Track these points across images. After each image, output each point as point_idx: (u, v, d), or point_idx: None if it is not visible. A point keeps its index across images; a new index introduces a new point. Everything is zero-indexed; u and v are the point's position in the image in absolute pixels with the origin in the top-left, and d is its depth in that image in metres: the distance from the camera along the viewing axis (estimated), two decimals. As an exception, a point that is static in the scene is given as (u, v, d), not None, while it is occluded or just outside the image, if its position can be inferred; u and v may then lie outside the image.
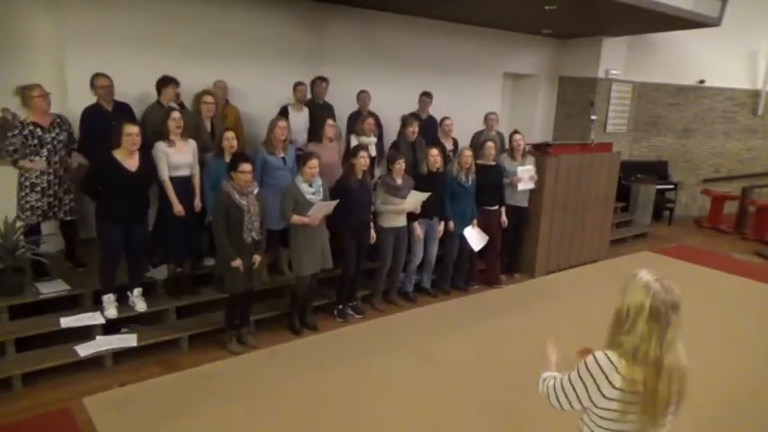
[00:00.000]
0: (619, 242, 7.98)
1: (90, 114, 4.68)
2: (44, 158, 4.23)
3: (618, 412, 1.61)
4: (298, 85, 5.81)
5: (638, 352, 1.60)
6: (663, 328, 1.59)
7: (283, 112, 5.59)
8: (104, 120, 4.54)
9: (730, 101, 9.76)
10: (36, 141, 4.20)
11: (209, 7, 5.83)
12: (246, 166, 4.01)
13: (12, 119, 4.23)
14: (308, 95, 5.97)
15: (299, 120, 5.78)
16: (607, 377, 1.61)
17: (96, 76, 4.70)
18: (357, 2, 6.61)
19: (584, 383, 1.66)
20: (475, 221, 5.62)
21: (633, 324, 1.61)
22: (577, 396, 1.68)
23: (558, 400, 1.76)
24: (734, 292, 6.24)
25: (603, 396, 1.62)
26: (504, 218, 5.92)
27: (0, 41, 4.78)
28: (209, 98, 4.93)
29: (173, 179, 4.35)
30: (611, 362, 1.62)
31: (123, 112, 4.80)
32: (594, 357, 1.66)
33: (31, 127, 4.19)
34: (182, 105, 5.19)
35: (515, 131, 6.09)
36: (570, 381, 1.71)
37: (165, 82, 4.95)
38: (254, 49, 6.17)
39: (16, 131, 4.13)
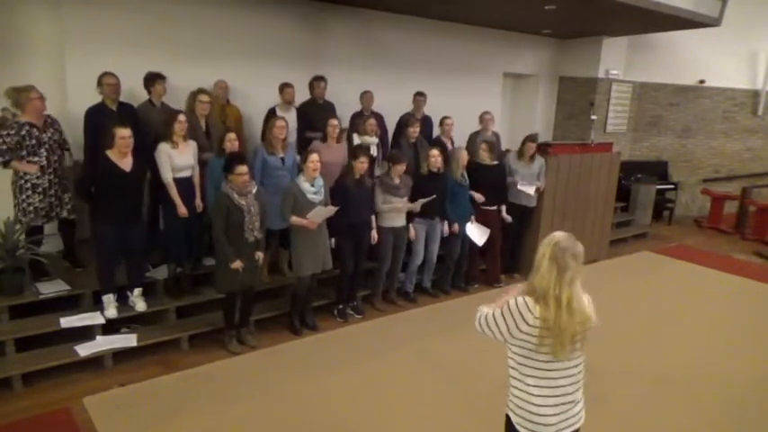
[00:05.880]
0: (619, 242, 7.98)
1: (94, 114, 4.63)
2: (43, 158, 4.22)
3: (534, 344, 2.00)
4: (285, 86, 5.67)
5: (543, 291, 1.98)
6: (561, 268, 1.96)
7: (271, 114, 5.49)
8: (108, 120, 4.46)
9: (730, 101, 9.75)
10: (34, 141, 4.19)
11: (209, 7, 5.82)
12: (243, 168, 4.00)
13: (11, 118, 4.22)
14: (295, 97, 5.78)
15: (287, 121, 5.71)
16: (523, 316, 2.01)
17: (104, 74, 4.66)
18: (357, 2, 6.61)
19: (505, 320, 2.06)
20: (473, 217, 5.62)
21: (539, 266, 2.01)
22: (499, 330, 2.08)
23: (489, 329, 2.13)
24: (734, 292, 6.24)
25: (520, 330, 2.02)
26: (504, 215, 5.92)
27: (0, 41, 4.78)
28: (204, 97, 4.87)
29: (175, 180, 4.35)
30: (527, 305, 2.01)
31: (126, 113, 4.74)
32: (515, 300, 2.04)
33: (28, 127, 4.16)
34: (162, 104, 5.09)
35: (531, 140, 6.04)
36: (494, 316, 2.10)
37: (152, 79, 4.90)
38: (254, 49, 6.16)
39: (12, 131, 4.10)
